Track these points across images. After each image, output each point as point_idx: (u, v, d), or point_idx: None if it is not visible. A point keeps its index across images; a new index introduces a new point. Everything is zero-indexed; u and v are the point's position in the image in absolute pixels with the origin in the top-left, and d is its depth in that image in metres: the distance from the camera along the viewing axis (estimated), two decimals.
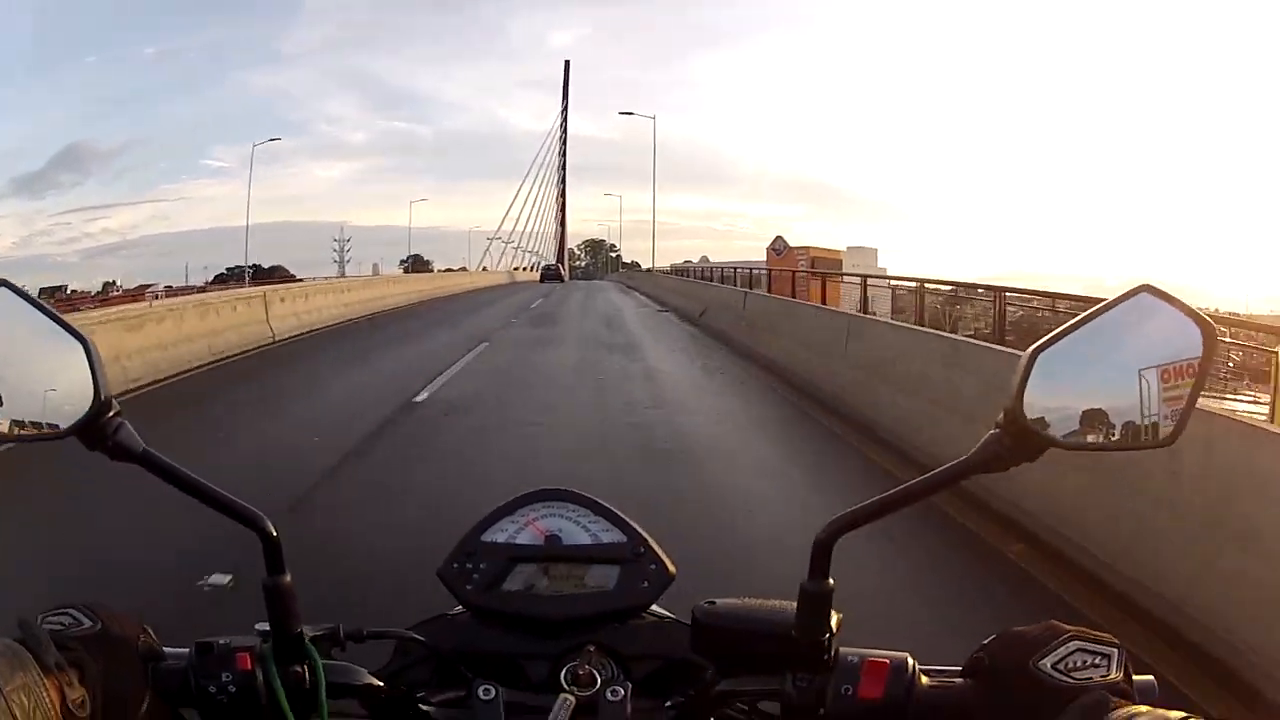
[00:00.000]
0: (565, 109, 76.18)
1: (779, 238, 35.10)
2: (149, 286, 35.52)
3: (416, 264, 62.20)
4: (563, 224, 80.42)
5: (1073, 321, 0.57)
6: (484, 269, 54.35)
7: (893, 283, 12.91)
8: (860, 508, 0.60)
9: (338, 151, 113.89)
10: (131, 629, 0.61)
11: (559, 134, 73.82)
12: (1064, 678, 0.53)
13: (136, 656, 0.60)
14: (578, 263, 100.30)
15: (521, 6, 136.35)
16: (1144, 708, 0.49)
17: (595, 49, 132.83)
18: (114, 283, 50.23)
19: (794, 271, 18.36)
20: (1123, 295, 0.56)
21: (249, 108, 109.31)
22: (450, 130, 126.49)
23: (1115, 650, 0.54)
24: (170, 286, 36.97)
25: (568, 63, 79.88)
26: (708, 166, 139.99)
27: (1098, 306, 0.57)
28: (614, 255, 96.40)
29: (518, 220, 63.95)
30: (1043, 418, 0.55)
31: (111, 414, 0.61)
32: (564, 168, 78.58)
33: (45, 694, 0.52)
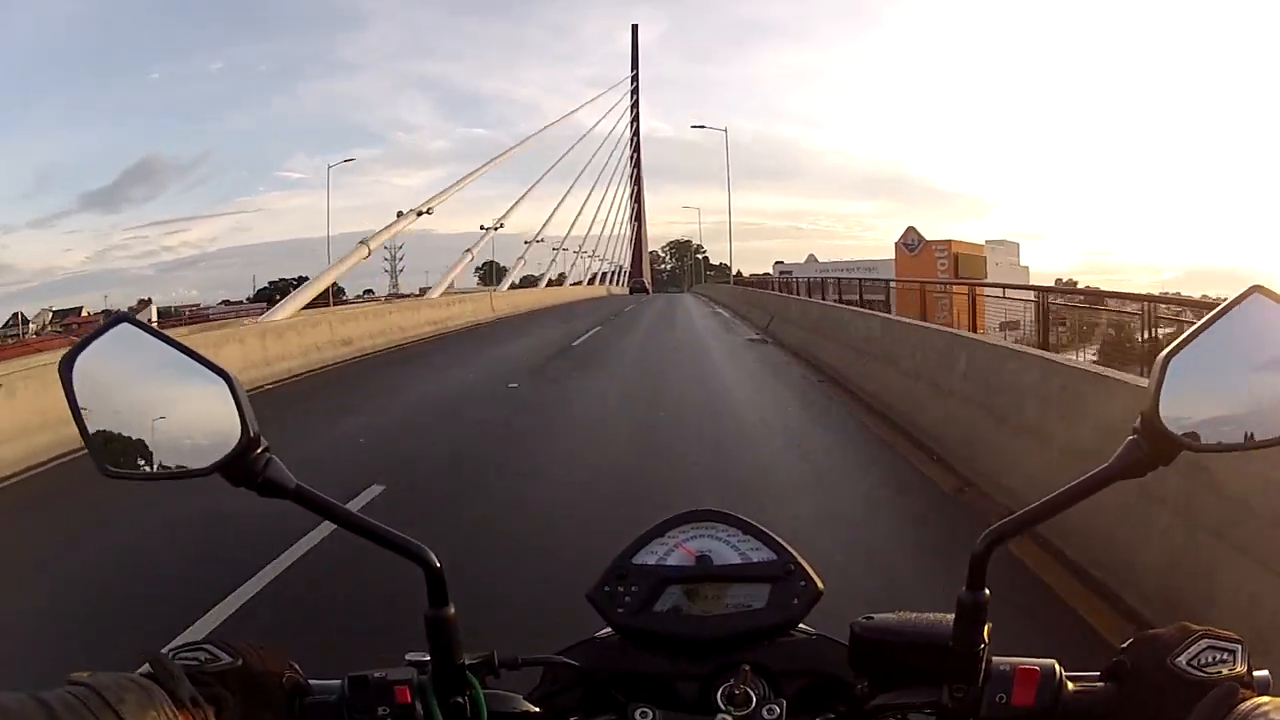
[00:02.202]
0: (635, 76, 73.27)
1: (911, 229, 30.34)
2: (145, 305, 35.84)
3: (492, 272, 62.59)
4: (639, 222, 78.32)
5: (1195, 328, 0.63)
6: (554, 280, 50.37)
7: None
8: (1010, 520, 0.66)
9: (417, 160, 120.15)
10: (276, 664, 0.64)
11: (629, 119, 70.99)
12: (1197, 673, 0.60)
13: (281, 691, 0.63)
14: (663, 266, 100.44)
15: (592, 10, 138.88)
16: (1266, 698, 0.56)
17: (666, 50, 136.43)
18: (148, 300, 50.73)
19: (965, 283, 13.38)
20: (1237, 298, 0.63)
21: (324, 119, 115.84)
22: (531, 134, 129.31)
23: (1239, 646, 0.61)
24: (198, 306, 37.05)
25: (635, 26, 77.81)
26: (784, 165, 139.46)
27: (1215, 311, 0.63)
28: (701, 256, 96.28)
29: (590, 224, 62.07)
30: (1174, 420, 0.62)
31: (260, 450, 0.63)
32: (638, 164, 76.20)
33: None
